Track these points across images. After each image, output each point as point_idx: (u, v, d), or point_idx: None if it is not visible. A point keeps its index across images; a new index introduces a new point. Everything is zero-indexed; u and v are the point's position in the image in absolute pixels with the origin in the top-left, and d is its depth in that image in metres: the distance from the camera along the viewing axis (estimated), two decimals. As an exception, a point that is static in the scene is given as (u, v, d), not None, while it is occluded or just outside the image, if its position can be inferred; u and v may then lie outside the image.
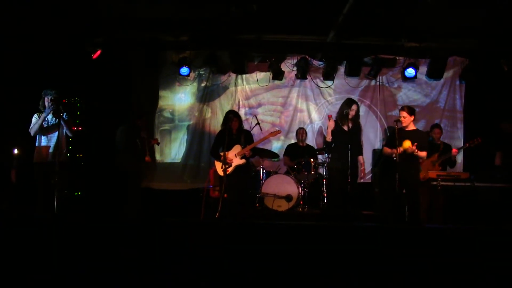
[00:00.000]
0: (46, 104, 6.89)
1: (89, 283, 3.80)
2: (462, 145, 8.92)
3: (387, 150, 7.09)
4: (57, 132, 6.95)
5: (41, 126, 6.91)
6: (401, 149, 6.70)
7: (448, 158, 7.96)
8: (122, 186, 7.93)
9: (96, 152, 8.94)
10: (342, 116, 7.08)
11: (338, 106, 7.60)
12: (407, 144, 6.68)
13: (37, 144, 6.95)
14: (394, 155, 6.78)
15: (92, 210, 8.35)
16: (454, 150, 7.98)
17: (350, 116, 7.02)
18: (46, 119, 6.94)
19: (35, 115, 6.94)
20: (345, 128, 7.08)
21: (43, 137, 6.94)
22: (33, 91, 7.29)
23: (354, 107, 7.06)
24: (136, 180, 8.11)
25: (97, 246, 4.20)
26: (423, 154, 6.91)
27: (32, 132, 6.91)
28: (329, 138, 7.13)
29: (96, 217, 7.70)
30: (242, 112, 9.24)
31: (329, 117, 7.17)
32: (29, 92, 7.57)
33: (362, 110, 9.38)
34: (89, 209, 8.42)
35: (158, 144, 8.83)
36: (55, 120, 6.97)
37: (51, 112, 6.87)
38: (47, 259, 4.03)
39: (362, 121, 8.97)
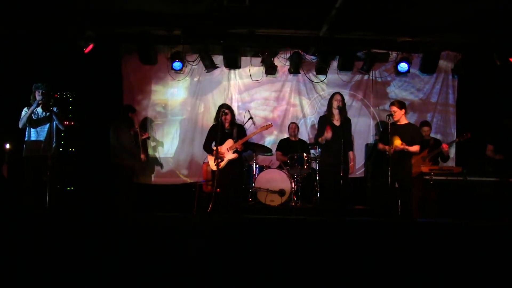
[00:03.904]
0: (37, 97, 6.88)
1: (81, 278, 3.79)
2: (454, 139, 8.98)
3: (381, 146, 7.15)
4: (47, 126, 6.94)
5: (30, 118, 6.89)
6: (392, 147, 6.74)
7: (439, 153, 8.02)
8: (116, 180, 7.93)
9: (88, 147, 8.91)
10: (329, 109, 7.22)
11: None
12: (397, 141, 6.75)
13: (26, 138, 6.93)
14: (387, 151, 6.81)
15: (84, 205, 8.32)
16: (444, 145, 8.05)
17: (335, 106, 7.14)
18: (36, 112, 6.93)
19: (25, 109, 6.95)
20: (336, 123, 7.13)
21: (32, 131, 6.93)
22: (25, 85, 7.26)
23: (337, 96, 7.26)
24: (130, 174, 8.14)
25: (90, 241, 4.18)
26: (414, 148, 6.96)
27: (20, 124, 6.90)
28: (322, 141, 7.23)
29: (89, 212, 7.68)
30: (235, 107, 9.21)
31: (328, 128, 7.19)
32: (21, 87, 7.53)
33: (355, 104, 9.44)
34: (82, 204, 8.39)
35: (148, 138, 8.85)
36: (46, 114, 6.95)
37: (40, 104, 6.86)
38: (39, 254, 4.01)
39: (354, 115, 9.03)
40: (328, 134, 7.12)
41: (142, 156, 8.25)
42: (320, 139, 7.25)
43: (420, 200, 7.74)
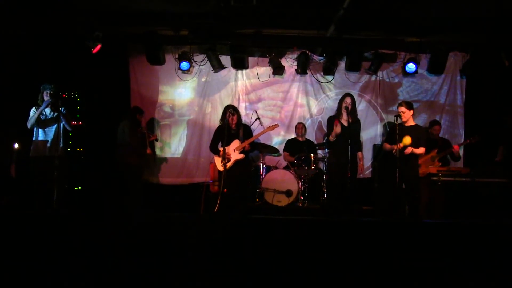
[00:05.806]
0: (45, 98, 6.93)
1: (88, 278, 3.80)
2: (462, 140, 8.96)
3: (387, 146, 7.11)
4: (55, 126, 6.99)
5: (38, 119, 6.94)
6: (401, 145, 6.70)
7: (449, 153, 8.03)
8: (123, 180, 7.96)
9: (96, 147, 8.94)
10: (339, 110, 7.19)
11: (338, 101, 7.61)
12: (407, 140, 6.70)
13: (34, 138, 6.98)
14: (394, 151, 6.79)
15: (92, 204, 8.36)
16: (455, 146, 8.07)
17: (343, 106, 7.10)
18: (44, 112, 6.98)
19: (33, 109, 6.99)
20: (344, 123, 7.10)
21: (40, 131, 6.97)
22: (33, 85, 7.30)
23: (347, 99, 7.18)
24: (137, 174, 8.17)
25: (97, 240, 4.20)
26: (420, 151, 6.92)
27: (29, 124, 6.95)
28: (332, 139, 7.18)
29: (96, 212, 7.70)
30: (242, 107, 9.25)
31: (336, 122, 7.14)
32: (29, 87, 7.57)
33: (363, 105, 9.41)
34: (89, 203, 8.43)
35: (156, 140, 8.89)
36: (53, 114, 7.00)
37: (49, 105, 6.91)
38: (46, 255, 4.02)
39: (362, 116, 8.98)
40: (337, 129, 7.08)
41: (148, 151, 8.29)
42: (330, 137, 7.22)
43: (427, 201, 7.71)
